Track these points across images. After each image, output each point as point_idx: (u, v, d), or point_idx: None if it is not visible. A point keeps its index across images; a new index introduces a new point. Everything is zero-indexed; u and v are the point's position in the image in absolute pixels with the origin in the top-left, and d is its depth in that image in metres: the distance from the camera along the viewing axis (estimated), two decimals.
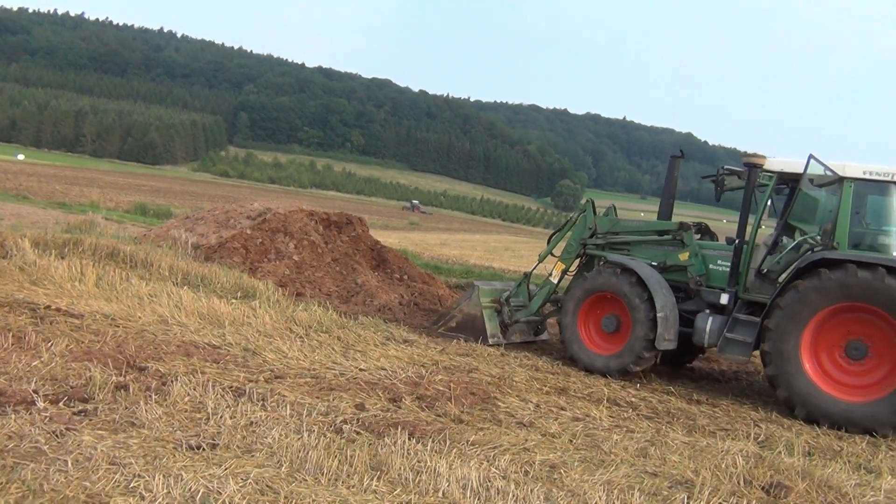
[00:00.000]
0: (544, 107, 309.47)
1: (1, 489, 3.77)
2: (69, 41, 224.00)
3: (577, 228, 10.94)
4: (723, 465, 5.81)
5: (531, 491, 4.68)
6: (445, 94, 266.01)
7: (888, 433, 7.76)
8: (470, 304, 11.06)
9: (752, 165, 9.37)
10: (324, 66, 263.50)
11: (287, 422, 5.52)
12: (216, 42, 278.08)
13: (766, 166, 9.37)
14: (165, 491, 3.96)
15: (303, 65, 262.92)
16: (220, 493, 4.03)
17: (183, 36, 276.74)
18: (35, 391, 5.35)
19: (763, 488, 5.44)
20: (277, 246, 14.30)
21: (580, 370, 9.62)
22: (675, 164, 10.70)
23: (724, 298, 9.26)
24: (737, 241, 9.42)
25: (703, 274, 9.70)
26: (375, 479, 4.59)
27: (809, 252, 8.85)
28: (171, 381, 6.07)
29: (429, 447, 5.31)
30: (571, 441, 6.15)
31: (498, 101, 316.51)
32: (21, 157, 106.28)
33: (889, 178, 8.55)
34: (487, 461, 5.24)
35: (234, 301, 10.35)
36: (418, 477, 4.69)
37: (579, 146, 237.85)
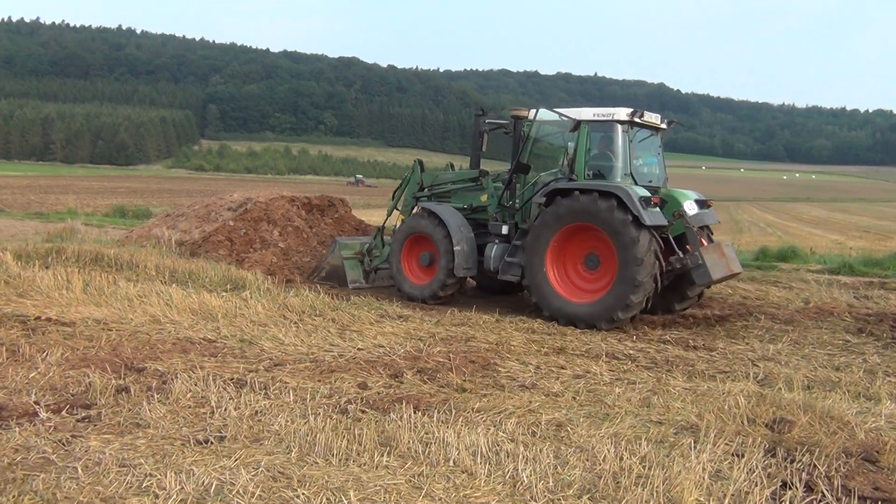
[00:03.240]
0: (514, 70, 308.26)
1: (14, 502, 3.76)
2: (27, 48, 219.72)
3: (410, 185, 12.69)
4: (725, 407, 5.88)
5: (540, 451, 4.73)
6: (415, 67, 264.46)
7: (602, 325, 9.52)
8: (334, 257, 12.88)
9: (516, 118, 11.17)
10: (289, 50, 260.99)
11: (292, 407, 5.53)
12: (177, 35, 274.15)
13: (530, 117, 10.94)
14: (179, 487, 3.97)
15: (267, 50, 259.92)
16: (234, 484, 4.04)
17: (143, 32, 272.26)
18: (36, 402, 5.32)
19: (767, 425, 5.52)
20: (262, 235, 14.23)
21: (404, 299, 11.37)
22: (478, 121, 12.11)
23: (504, 229, 11.13)
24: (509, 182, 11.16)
25: (498, 211, 11.41)
26: (385, 454, 4.62)
27: (549, 184, 10.52)
28: (172, 379, 6.05)
29: (435, 418, 5.35)
30: (575, 398, 6.20)
31: (468, 69, 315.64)
32: None
33: (612, 118, 10.26)
34: (494, 426, 5.28)
35: (224, 294, 10.32)
36: (427, 448, 4.72)
37: (553, 106, 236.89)
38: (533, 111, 10.93)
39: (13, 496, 3.83)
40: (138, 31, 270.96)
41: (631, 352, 8.26)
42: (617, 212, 9.38)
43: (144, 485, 4.02)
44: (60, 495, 3.87)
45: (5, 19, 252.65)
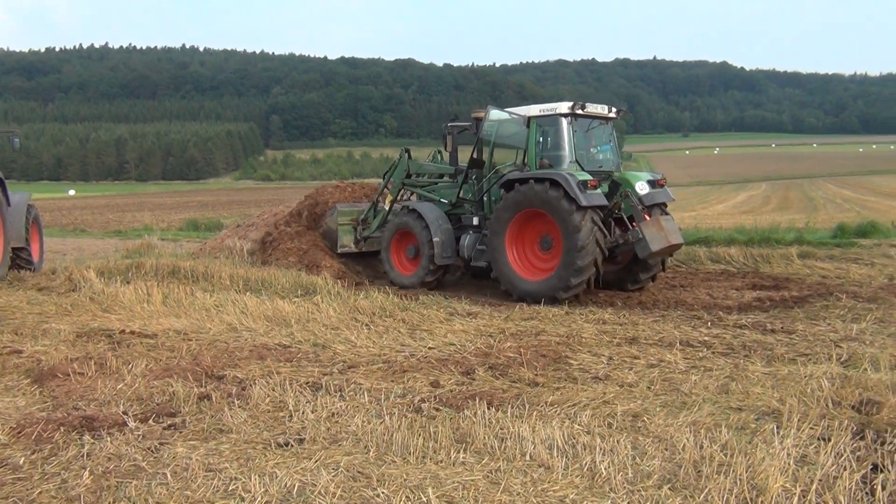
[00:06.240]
0: (571, 60, 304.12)
1: None
2: (98, 73, 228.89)
3: (398, 171, 13.87)
4: (808, 390, 5.71)
5: (617, 442, 4.68)
6: (470, 64, 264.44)
7: (561, 295, 10.53)
8: (331, 221, 14.24)
9: (477, 119, 12.34)
10: (346, 56, 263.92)
11: (367, 408, 5.61)
12: (238, 50, 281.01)
13: (490, 117, 11.98)
14: (263, 490, 4.07)
15: (325, 58, 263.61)
16: (315, 485, 4.13)
17: (205, 49, 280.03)
18: (125, 412, 5.54)
19: (853, 407, 5.34)
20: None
21: (395, 286, 12.36)
22: (447, 127, 13.28)
23: (475, 220, 12.31)
24: (474, 177, 12.32)
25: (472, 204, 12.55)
26: (462, 451, 4.64)
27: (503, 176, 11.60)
28: (250, 385, 6.22)
29: (509, 413, 5.35)
30: (650, 388, 6.11)
31: (524, 62, 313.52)
32: (72, 192, 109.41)
33: (555, 112, 11.28)
34: (569, 419, 5.25)
35: (296, 300, 10.54)
36: (503, 444, 4.72)
37: (612, 94, 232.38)
38: (485, 112, 12.11)
39: (109, 502, 4.00)
40: (201, 49, 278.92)
41: (706, 338, 8.08)
42: (551, 192, 10.47)
43: (230, 488, 4.14)
44: (152, 501, 4.02)
45: (76, 46, 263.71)
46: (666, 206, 11.52)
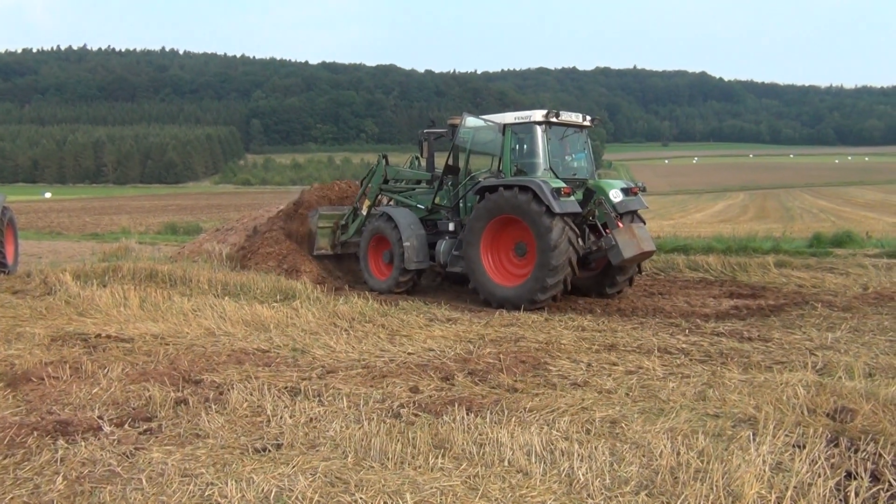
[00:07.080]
0: (552, 68, 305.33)
1: None
2: (76, 75, 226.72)
3: (376, 177, 13.93)
4: (784, 398, 5.76)
5: (595, 448, 4.69)
6: (452, 71, 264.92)
7: (526, 305, 10.59)
8: (311, 223, 14.27)
9: (453, 126, 12.48)
10: (327, 61, 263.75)
11: (346, 413, 5.59)
12: (219, 53, 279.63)
13: (466, 125, 12.13)
14: (240, 495, 4.04)
15: (306, 63, 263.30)
16: (292, 490, 4.10)
17: (186, 52, 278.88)
18: (100, 417, 5.48)
19: (828, 415, 5.39)
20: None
21: (373, 291, 12.38)
22: (422, 134, 13.60)
23: (451, 226, 12.34)
24: (450, 183, 12.44)
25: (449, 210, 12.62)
26: (440, 457, 4.64)
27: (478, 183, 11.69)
28: (228, 390, 6.17)
29: (488, 419, 5.35)
30: (628, 394, 6.14)
31: (505, 69, 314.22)
32: (48, 195, 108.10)
33: (529, 120, 11.37)
34: (548, 425, 5.26)
35: (275, 304, 10.49)
36: (482, 449, 4.72)
37: (592, 102, 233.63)
38: (460, 119, 12.21)
39: None
40: (181, 52, 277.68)
41: (684, 345, 8.14)
42: (521, 196, 10.62)
43: (207, 494, 4.10)
44: None
45: (55, 48, 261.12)
46: (637, 212, 11.59)
